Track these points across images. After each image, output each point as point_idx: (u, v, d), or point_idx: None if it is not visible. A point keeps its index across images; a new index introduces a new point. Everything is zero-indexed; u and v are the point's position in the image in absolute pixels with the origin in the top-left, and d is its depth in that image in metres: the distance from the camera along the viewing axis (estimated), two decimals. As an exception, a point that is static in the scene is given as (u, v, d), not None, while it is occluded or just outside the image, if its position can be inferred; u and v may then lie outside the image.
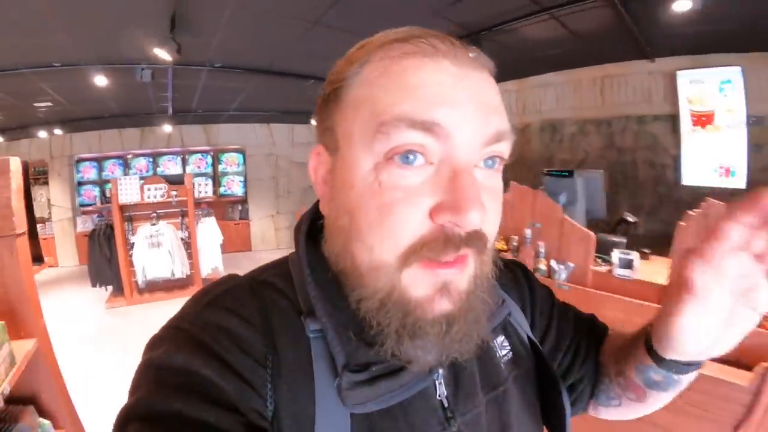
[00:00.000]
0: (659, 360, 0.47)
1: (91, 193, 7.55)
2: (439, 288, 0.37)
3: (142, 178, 5.62)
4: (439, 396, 0.45)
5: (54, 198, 7.13)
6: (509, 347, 0.53)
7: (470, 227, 0.35)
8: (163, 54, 3.05)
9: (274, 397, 0.39)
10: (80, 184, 7.49)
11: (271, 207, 8.07)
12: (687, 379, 0.49)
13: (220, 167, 8.00)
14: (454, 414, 0.45)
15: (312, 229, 0.47)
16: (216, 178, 7.98)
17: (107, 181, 6.85)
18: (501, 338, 0.53)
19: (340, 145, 0.40)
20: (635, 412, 0.58)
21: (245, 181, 8.08)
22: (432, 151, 0.35)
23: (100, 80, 3.95)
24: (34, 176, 7.10)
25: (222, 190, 7.98)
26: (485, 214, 0.36)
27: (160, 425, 0.34)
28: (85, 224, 7.28)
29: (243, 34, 3.27)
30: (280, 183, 8.06)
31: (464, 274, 0.38)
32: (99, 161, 7.52)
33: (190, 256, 5.11)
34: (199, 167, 7.90)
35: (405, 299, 0.37)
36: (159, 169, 7.62)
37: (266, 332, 0.41)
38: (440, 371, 0.44)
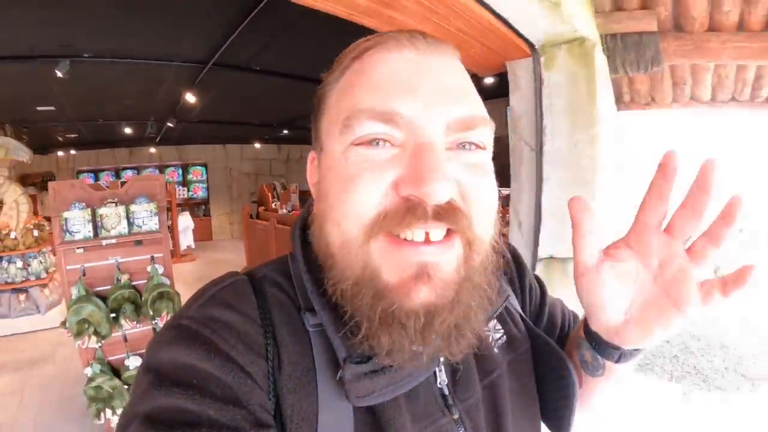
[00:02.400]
0: (588, 332, 0.50)
1: (89, 197, 10.57)
2: (415, 273, 0.37)
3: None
4: (440, 384, 0.47)
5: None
6: (503, 331, 0.54)
7: (434, 199, 0.36)
8: (170, 121, 6.36)
9: (275, 390, 0.40)
10: (79, 190, 10.49)
11: (227, 206, 11.19)
12: (613, 369, 0.50)
13: (189, 177, 11.08)
14: (454, 401, 0.47)
15: (306, 228, 0.49)
16: (186, 185, 11.06)
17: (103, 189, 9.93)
18: (493, 322, 0.54)
19: (322, 144, 0.44)
20: (581, 404, 0.55)
21: (207, 188, 11.21)
22: (396, 138, 0.38)
23: (123, 129, 7.19)
24: (42, 183, 9.96)
25: (190, 194, 11.05)
26: (462, 190, 0.39)
27: (161, 421, 0.34)
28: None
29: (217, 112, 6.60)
30: (233, 188, 11.20)
31: (448, 256, 0.38)
32: (96, 172, 10.42)
33: (172, 236, 8.29)
34: (172, 177, 10.94)
35: (378, 281, 0.38)
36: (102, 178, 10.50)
37: (267, 327, 0.42)
38: (440, 359, 0.46)
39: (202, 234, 10.57)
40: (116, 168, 10.44)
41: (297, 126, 8.73)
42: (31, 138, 5.81)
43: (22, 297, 4.92)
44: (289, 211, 6.35)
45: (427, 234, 0.37)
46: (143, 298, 2.35)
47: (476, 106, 0.42)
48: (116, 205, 2.31)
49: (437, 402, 0.46)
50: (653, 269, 0.43)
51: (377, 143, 0.39)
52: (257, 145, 11.21)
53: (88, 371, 2.31)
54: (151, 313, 2.26)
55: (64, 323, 2.19)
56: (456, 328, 0.39)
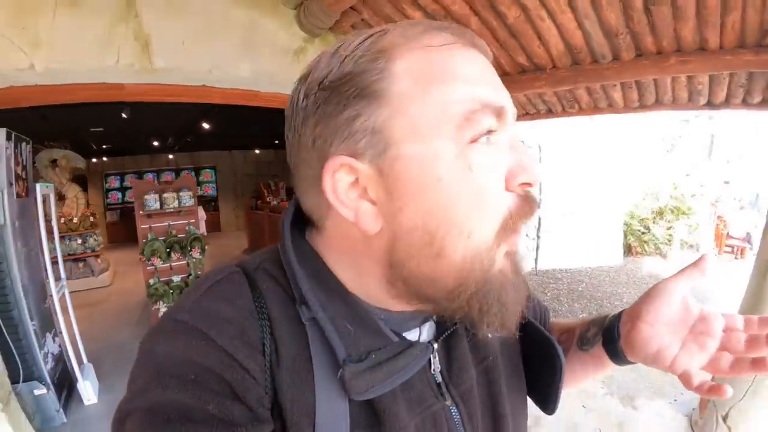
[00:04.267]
0: (616, 315, 0.58)
1: (116, 196, 12.74)
2: (506, 253, 0.42)
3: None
4: (434, 370, 0.49)
5: (91, 199, 12.25)
6: None
7: (539, 182, 0.41)
8: (188, 137, 8.49)
9: (273, 384, 0.41)
10: (107, 190, 12.69)
11: (233, 202, 13.35)
12: (599, 354, 0.59)
13: (200, 178, 13.26)
14: (448, 387, 0.49)
15: (295, 222, 0.49)
16: (198, 185, 13.18)
17: (129, 188, 12.15)
18: None
19: (395, 142, 0.39)
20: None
21: (216, 187, 13.42)
22: (495, 131, 0.40)
23: (149, 141, 9.34)
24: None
25: (202, 192, 13.22)
26: None
27: (160, 416, 0.36)
28: (111, 217, 12.46)
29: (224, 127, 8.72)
30: (238, 187, 13.35)
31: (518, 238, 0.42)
32: (121, 175, 12.68)
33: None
34: (186, 178, 13.16)
35: (495, 275, 0.41)
36: (161, 179, 12.83)
37: (264, 321, 0.42)
38: (435, 346, 0.48)
39: (213, 226, 12.66)
40: (138, 171, 12.62)
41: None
42: (74, 149, 8.01)
43: (80, 264, 7.03)
44: (277, 203, 8.37)
45: None
46: (184, 243, 4.46)
47: None
48: (172, 192, 4.43)
49: (431, 389, 0.48)
50: (694, 331, 0.50)
51: (487, 139, 0.39)
52: (257, 151, 13.32)
53: (151, 281, 4.41)
54: (189, 249, 4.37)
55: (141, 251, 4.30)
56: (523, 296, 0.45)
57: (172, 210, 4.55)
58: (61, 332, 3.29)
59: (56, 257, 3.34)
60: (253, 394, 0.39)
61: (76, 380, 3.25)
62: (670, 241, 8.54)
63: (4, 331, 2.68)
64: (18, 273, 2.77)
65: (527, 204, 0.41)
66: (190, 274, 4.67)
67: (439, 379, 0.49)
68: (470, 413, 0.50)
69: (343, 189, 0.41)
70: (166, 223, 4.55)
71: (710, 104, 3.33)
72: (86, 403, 3.27)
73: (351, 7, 2.71)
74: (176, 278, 4.58)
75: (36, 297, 3.02)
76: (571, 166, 7.19)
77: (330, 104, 0.40)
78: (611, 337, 0.56)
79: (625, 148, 7.99)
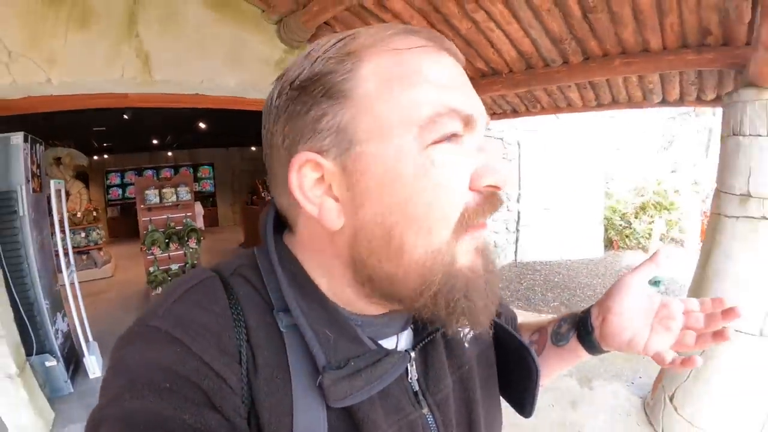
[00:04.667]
0: (586, 310, 0.63)
1: (116, 192, 13.15)
2: (481, 252, 0.44)
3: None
4: (411, 379, 0.49)
5: (92, 195, 12.61)
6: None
7: (507, 184, 0.42)
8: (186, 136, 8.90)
9: (250, 393, 0.40)
10: (108, 187, 13.08)
11: (230, 198, 13.75)
12: (574, 348, 0.64)
13: (199, 174, 13.64)
14: (425, 395, 0.50)
15: (275, 226, 0.49)
16: (196, 181, 13.53)
17: (129, 184, 12.56)
18: None
19: (359, 141, 0.40)
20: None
21: (214, 183, 13.83)
22: (462, 134, 0.42)
23: (149, 139, 9.73)
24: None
25: (200, 188, 13.59)
26: None
27: (134, 426, 0.34)
28: (112, 212, 12.87)
29: (222, 125, 9.10)
30: (235, 184, 13.73)
31: (486, 234, 0.44)
32: (121, 172, 13.05)
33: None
34: (184, 175, 13.55)
35: (458, 270, 0.42)
36: (161, 176, 13.24)
37: (240, 328, 0.42)
38: (412, 354, 0.49)
39: (210, 221, 13.01)
40: (138, 168, 12.99)
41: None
42: (77, 147, 8.40)
43: (84, 257, 7.44)
44: (271, 198, 8.76)
45: None
46: (181, 234, 4.87)
47: None
48: (171, 187, 4.83)
49: (408, 397, 0.48)
50: (659, 317, 0.57)
51: (452, 140, 0.40)
52: (253, 148, 13.68)
53: (151, 269, 4.83)
54: (186, 240, 4.78)
55: (142, 241, 4.71)
56: (495, 299, 0.46)
57: (170, 204, 4.99)
58: (70, 311, 3.70)
59: (66, 247, 3.74)
60: (229, 403, 0.39)
61: (83, 355, 3.65)
62: (650, 235, 8.89)
63: (21, 308, 3.07)
64: (34, 258, 3.17)
65: (488, 202, 0.42)
66: (186, 263, 5.10)
67: (416, 387, 0.50)
68: (446, 421, 0.50)
69: (308, 185, 0.42)
70: (165, 216, 4.99)
71: (665, 102, 3.55)
72: (91, 376, 3.66)
73: (325, 22, 3.10)
74: (174, 266, 5.01)
75: (48, 280, 3.42)
76: (552, 162, 7.56)
77: (298, 103, 0.41)
78: (585, 330, 0.61)
79: (613, 145, 8.33)
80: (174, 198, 5.04)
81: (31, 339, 3.16)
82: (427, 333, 0.52)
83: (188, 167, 13.49)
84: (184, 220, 5.11)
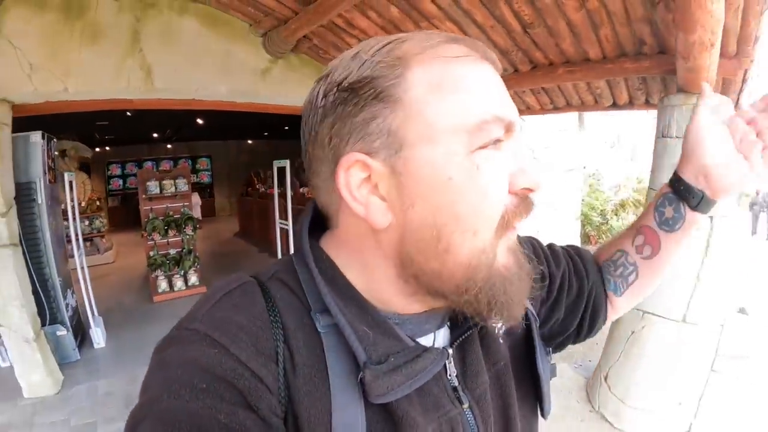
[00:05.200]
0: (676, 181, 0.62)
1: (117, 183, 13.62)
2: (508, 248, 0.45)
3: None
4: (450, 375, 0.49)
5: (94, 186, 13.05)
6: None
7: (540, 187, 0.43)
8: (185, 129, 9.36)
9: (287, 393, 0.41)
10: (109, 177, 13.54)
11: (227, 189, 14.25)
12: (692, 219, 0.61)
13: (197, 166, 14.15)
14: (464, 391, 0.50)
15: (312, 228, 0.50)
16: (195, 173, 14.03)
17: (129, 175, 13.04)
18: None
19: (409, 144, 0.41)
20: (651, 279, 0.69)
21: (212, 175, 14.34)
22: (502, 140, 0.43)
23: (149, 132, 10.19)
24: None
25: (198, 179, 14.08)
26: None
27: (171, 425, 0.36)
28: (112, 202, 13.35)
29: (219, 120, 9.55)
30: (232, 175, 14.22)
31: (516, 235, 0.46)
32: (122, 163, 13.52)
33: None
34: (184, 167, 13.98)
35: (499, 269, 0.43)
36: (160, 168, 13.68)
37: (277, 329, 0.43)
38: (450, 351, 0.49)
39: (208, 211, 13.52)
40: (138, 160, 13.44)
41: (275, 128, 11.64)
42: (80, 140, 8.90)
43: (87, 244, 7.88)
44: (265, 190, 9.07)
45: None
46: (179, 222, 5.37)
47: None
48: (170, 179, 5.33)
49: (447, 394, 0.48)
50: (736, 141, 0.57)
51: (495, 146, 0.42)
52: (250, 141, 14.18)
53: (151, 253, 5.33)
54: (183, 227, 5.28)
55: (144, 228, 5.21)
56: (525, 291, 0.47)
57: (169, 194, 5.47)
58: (79, 290, 4.20)
59: (77, 232, 4.24)
60: (265, 403, 0.39)
61: (89, 327, 4.15)
62: (625, 230, 9.31)
63: (37, 283, 3.55)
64: (50, 240, 3.66)
65: (523, 204, 0.44)
66: (183, 248, 5.57)
67: (455, 383, 0.50)
68: (484, 417, 0.51)
69: (355, 184, 0.43)
70: (165, 206, 5.47)
71: (615, 105, 3.68)
72: (96, 346, 4.16)
73: (304, 36, 3.56)
74: (172, 251, 5.49)
75: (60, 260, 3.90)
76: (531, 158, 7.99)
77: (348, 104, 0.42)
78: (696, 199, 0.60)
79: (606, 142, 8.71)
80: (173, 189, 5.45)
81: (45, 311, 3.64)
82: (464, 330, 0.51)
83: (187, 159, 13.96)
84: (182, 209, 5.55)
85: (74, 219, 4.05)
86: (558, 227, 8.21)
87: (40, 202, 3.54)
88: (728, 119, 0.59)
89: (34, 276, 3.51)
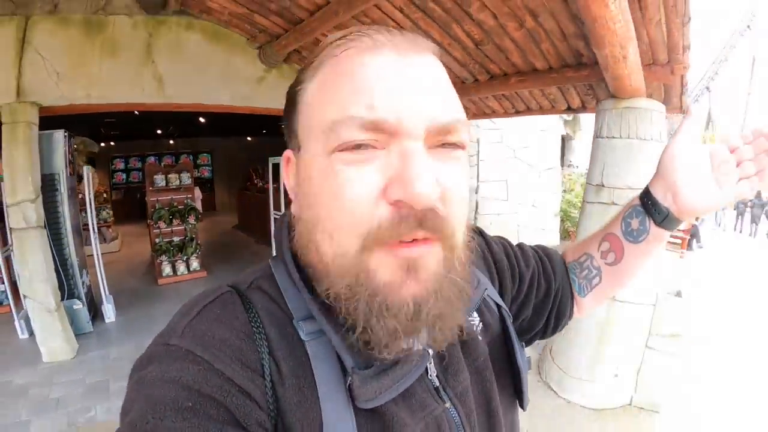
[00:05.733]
0: (646, 196, 0.62)
1: (121, 176, 14.08)
2: (406, 269, 0.40)
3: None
4: (431, 376, 0.49)
5: (99, 179, 13.49)
6: (478, 317, 0.58)
7: (422, 203, 0.37)
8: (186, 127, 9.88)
9: (275, 405, 0.41)
10: (113, 171, 13.98)
11: (227, 184, 14.71)
12: (657, 234, 0.62)
13: (198, 161, 14.60)
14: (446, 389, 0.50)
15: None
16: (196, 168, 14.35)
17: (132, 169, 13.55)
18: (474, 314, 0.57)
19: (301, 144, 0.44)
20: (614, 283, 0.71)
21: (212, 170, 14.82)
22: (381, 141, 0.39)
23: (152, 128, 10.70)
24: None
25: (199, 174, 14.45)
26: (443, 193, 0.39)
27: None
28: (116, 195, 13.77)
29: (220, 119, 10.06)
30: (232, 170, 14.67)
31: (432, 256, 0.40)
32: (126, 158, 13.91)
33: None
34: (186, 162, 14.34)
35: (372, 282, 0.39)
36: (163, 163, 14.12)
37: (261, 341, 0.42)
38: (430, 352, 0.48)
39: (209, 205, 13.97)
40: (142, 154, 13.87)
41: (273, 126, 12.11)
42: (87, 135, 9.36)
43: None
44: (263, 185, 9.42)
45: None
46: (182, 212, 5.93)
47: (456, 108, 0.42)
48: (175, 173, 5.88)
49: (431, 393, 0.48)
50: (714, 167, 0.57)
51: (361, 148, 0.38)
52: (249, 138, 14.56)
53: (157, 240, 5.87)
54: (186, 217, 5.84)
55: (151, 216, 5.75)
56: (440, 318, 0.41)
57: (174, 187, 6.03)
58: (93, 271, 4.73)
59: (93, 220, 4.77)
60: (254, 418, 0.39)
61: (101, 303, 4.68)
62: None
63: (58, 262, 4.07)
64: (69, 225, 4.19)
65: (400, 222, 0.38)
66: (186, 236, 6.11)
67: (437, 383, 0.49)
68: (467, 413, 0.51)
69: (287, 173, 0.48)
70: (170, 197, 6.03)
71: (570, 108, 3.89)
72: (107, 320, 4.68)
73: (294, 49, 4.08)
74: (176, 239, 6.05)
75: (77, 244, 4.43)
76: (510, 156, 8.44)
77: (288, 105, 0.47)
78: (661, 215, 0.60)
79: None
80: (177, 182, 5.99)
81: (64, 286, 4.15)
82: None
83: (188, 155, 14.31)
84: (186, 201, 6.13)
85: (91, 208, 4.56)
86: (538, 224, 8.72)
87: (61, 191, 4.08)
88: (708, 146, 0.58)
89: (55, 256, 4.02)
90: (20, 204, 3.50)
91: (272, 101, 4.44)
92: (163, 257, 5.90)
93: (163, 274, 5.99)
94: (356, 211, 0.39)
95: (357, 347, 0.41)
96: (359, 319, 0.40)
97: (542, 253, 0.75)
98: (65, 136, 4.15)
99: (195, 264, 6.16)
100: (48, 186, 3.95)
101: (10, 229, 3.60)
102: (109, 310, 4.71)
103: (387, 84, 0.39)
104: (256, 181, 10.36)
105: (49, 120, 3.73)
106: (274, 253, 0.53)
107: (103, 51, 3.61)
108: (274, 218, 5.97)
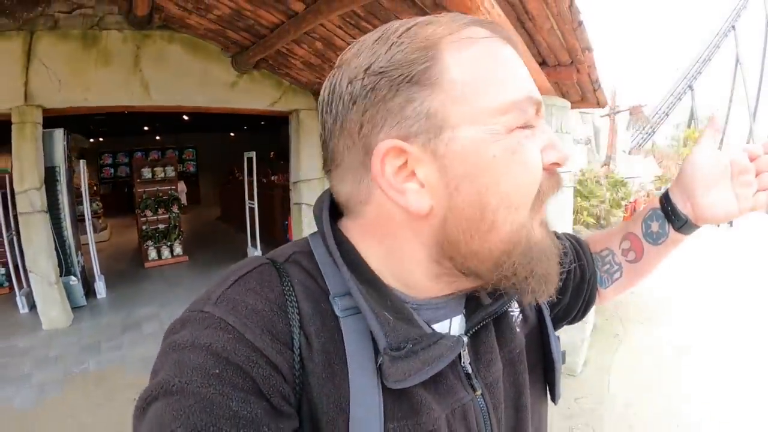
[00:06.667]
0: (666, 201, 0.63)
1: (109, 171, 14.55)
2: (541, 223, 0.45)
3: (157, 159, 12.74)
4: (464, 363, 0.49)
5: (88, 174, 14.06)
6: (518, 307, 0.58)
7: (569, 161, 0.44)
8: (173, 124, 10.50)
9: (302, 379, 0.41)
10: (102, 166, 14.45)
11: (211, 178, 15.10)
12: (675, 238, 0.64)
13: (183, 156, 15.09)
14: (477, 378, 0.50)
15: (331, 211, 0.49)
16: (181, 162, 14.86)
17: (120, 164, 14.08)
18: (514, 303, 0.57)
19: (451, 126, 0.41)
20: (635, 279, 0.72)
21: (197, 165, 15.32)
22: (533, 118, 0.43)
23: (143, 126, 11.29)
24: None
25: (184, 169, 14.92)
26: None
27: (181, 410, 0.35)
28: (104, 189, 14.26)
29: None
30: (215, 165, 15.04)
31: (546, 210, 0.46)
32: (113, 153, 14.30)
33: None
34: (171, 157, 14.88)
35: (536, 243, 0.44)
36: (149, 158, 14.55)
37: (293, 315, 0.42)
38: (465, 339, 0.48)
39: (193, 198, 14.49)
40: (129, 150, 14.21)
41: (252, 123, 12.73)
42: (77, 131, 9.92)
43: (85, 223, 9.07)
44: (243, 179, 10.24)
45: None
46: (167, 202, 6.63)
47: None
48: (160, 167, 6.58)
49: (461, 381, 0.48)
50: (734, 176, 0.57)
51: (529, 124, 0.43)
52: (232, 134, 15.08)
53: (144, 227, 6.57)
54: (170, 206, 6.54)
55: (138, 206, 6.43)
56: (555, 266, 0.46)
57: (159, 179, 6.72)
58: (87, 252, 5.41)
59: (88, 210, 5.44)
60: (279, 391, 0.39)
61: (94, 280, 5.34)
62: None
63: (57, 242, 4.70)
64: (68, 211, 4.86)
65: (554, 179, 0.45)
66: (170, 224, 6.80)
67: (469, 370, 0.49)
68: (495, 404, 0.50)
69: (391, 172, 0.42)
70: (156, 189, 6.72)
71: None
72: (98, 296, 5.33)
73: (261, 58, 4.78)
74: (161, 226, 6.76)
75: (73, 228, 5.10)
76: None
77: (380, 90, 0.41)
78: (680, 221, 0.62)
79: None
80: (163, 175, 6.69)
81: (62, 264, 4.79)
82: (480, 319, 0.51)
83: (174, 150, 14.79)
84: (170, 192, 6.83)
85: (86, 197, 5.25)
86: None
87: (61, 182, 4.75)
88: (729, 155, 0.58)
89: (55, 237, 4.67)
90: (27, 192, 4.17)
91: (244, 102, 5.17)
92: (149, 243, 6.59)
93: (149, 258, 6.67)
94: (534, 179, 0.42)
95: (391, 326, 0.41)
96: (520, 279, 0.43)
97: (573, 240, 0.76)
98: (64, 133, 4.82)
99: (178, 249, 6.84)
100: (50, 177, 4.60)
101: (18, 213, 4.25)
102: (100, 288, 5.38)
103: (526, 73, 0.45)
104: (237, 175, 10.96)
105: (47, 120, 4.36)
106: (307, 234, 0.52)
107: (98, 61, 4.28)
108: (249, 207, 6.67)
